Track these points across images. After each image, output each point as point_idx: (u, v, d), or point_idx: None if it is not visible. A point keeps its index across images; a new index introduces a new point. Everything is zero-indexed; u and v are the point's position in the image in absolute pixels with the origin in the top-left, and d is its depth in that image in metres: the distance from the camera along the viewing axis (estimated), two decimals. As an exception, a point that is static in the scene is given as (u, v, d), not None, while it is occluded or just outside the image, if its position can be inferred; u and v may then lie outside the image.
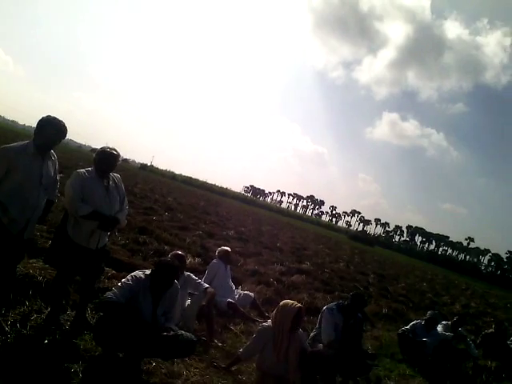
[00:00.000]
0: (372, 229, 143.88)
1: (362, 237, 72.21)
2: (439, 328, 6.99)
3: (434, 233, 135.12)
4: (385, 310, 9.49)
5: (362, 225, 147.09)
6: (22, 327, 3.72)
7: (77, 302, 4.38)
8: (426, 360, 6.18)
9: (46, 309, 4.13)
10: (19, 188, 3.54)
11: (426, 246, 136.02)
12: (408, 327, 6.71)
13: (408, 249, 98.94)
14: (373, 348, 6.34)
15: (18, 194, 3.54)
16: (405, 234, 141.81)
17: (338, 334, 4.69)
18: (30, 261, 4.97)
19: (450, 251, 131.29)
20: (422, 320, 6.80)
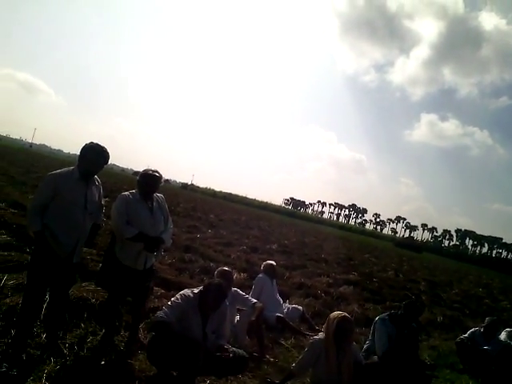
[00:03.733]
0: (419, 235, 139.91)
1: (409, 243, 70.14)
2: (502, 335, 6.63)
3: (486, 235, 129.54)
4: (440, 319, 9.11)
5: (408, 231, 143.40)
6: (80, 349, 3.83)
7: (129, 323, 4.46)
8: (489, 370, 5.85)
9: (101, 330, 4.23)
10: (65, 213, 3.65)
11: (478, 249, 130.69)
12: (466, 335, 6.40)
13: (459, 253, 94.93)
14: (430, 358, 6.08)
15: (65, 218, 3.65)
16: (454, 238, 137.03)
17: (392, 345, 4.54)
18: (83, 284, 5.12)
19: (504, 254, 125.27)
20: (481, 327, 6.47)
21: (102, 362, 3.63)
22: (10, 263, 5.44)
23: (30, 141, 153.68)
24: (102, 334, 4.15)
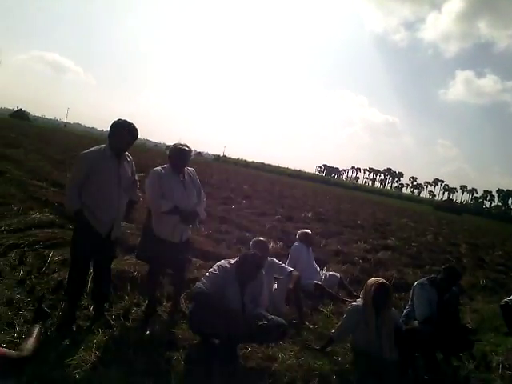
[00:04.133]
0: (458, 197, 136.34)
1: (448, 206, 68.37)
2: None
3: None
4: (482, 282, 8.90)
5: (446, 193, 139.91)
6: (125, 320, 3.99)
7: (171, 294, 4.60)
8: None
9: (144, 302, 4.38)
10: (101, 191, 3.73)
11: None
12: (511, 298, 6.24)
13: (501, 214, 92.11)
14: (473, 322, 5.98)
15: (101, 196, 3.73)
16: (496, 199, 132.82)
17: (432, 310, 4.48)
18: (125, 258, 5.29)
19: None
20: (527, 289, 6.29)
21: (147, 332, 3.76)
22: (55, 240, 5.68)
23: (64, 120, 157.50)
24: (145, 305, 4.30)
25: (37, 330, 2.33)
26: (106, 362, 3.11)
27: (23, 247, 5.33)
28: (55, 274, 4.59)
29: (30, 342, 1.98)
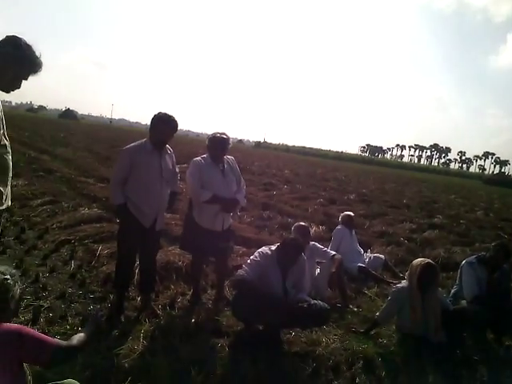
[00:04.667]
0: (511, 169, 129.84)
1: (499, 180, 65.26)
2: None
3: None
4: (537, 258, 8.50)
5: (498, 167, 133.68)
6: (171, 309, 4.12)
7: (215, 282, 4.70)
8: None
9: (189, 290, 4.50)
10: (144, 184, 3.84)
11: None
12: None
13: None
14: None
15: (144, 189, 3.84)
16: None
17: (482, 289, 4.34)
18: (169, 248, 5.44)
19: None
20: None
21: (192, 320, 3.87)
22: (103, 234, 5.92)
23: (110, 117, 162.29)
24: (190, 293, 4.42)
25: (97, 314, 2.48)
26: (153, 350, 3.22)
27: (74, 242, 5.60)
28: (104, 267, 4.80)
29: (81, 336, 2.10)
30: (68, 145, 19.75)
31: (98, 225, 6.29)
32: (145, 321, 3.76)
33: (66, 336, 3.10)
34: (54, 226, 6.26)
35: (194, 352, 3.24)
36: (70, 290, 4.25)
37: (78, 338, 2.08)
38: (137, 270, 4.37)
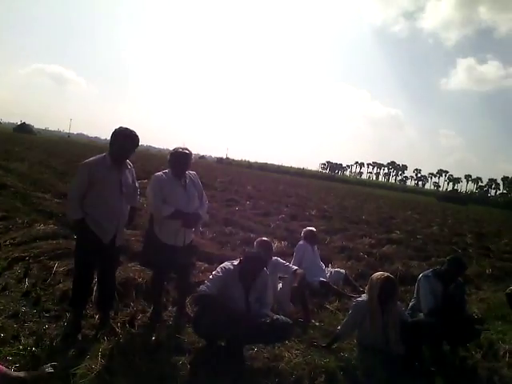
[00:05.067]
0: (463, 187, 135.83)
1: (452, 196, 68.00)
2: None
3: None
4: (489, 271, 8.86)
5: (451, 184, 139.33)
6: (131, 327, 4.01)
7: (176, 299, 4.62)
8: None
9: (150, 308, 4.40)
10: (103, 199, 3.76)
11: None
12: (517, 285, 6.22)
13: (507, 202, 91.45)
14: (480, 312, 5.96)
15: (103, 204, 3.76)
16: (501, 187, 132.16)
17: (438, 302, 4.48)
18: (129, 265, 5.31)
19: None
20: (533, 276, 6.27)
21: (153, 338, 3.78)
22: (60, 251, 5.70)
23: (68, 131, 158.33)
24: (150, 310, 4.33)
25: (47, 371, 2.38)
26: (112, 369, 3.13)
27: (28, 259, 5.36)
28: (60, 285, 4.62)
29: (36, 372, 2.01)
30: (23, 159, 19.04)
31: (54, 241, 6.07)
32: (103, 339, 3.64)
33: (19, 357, 2.97)
34: (7, 242, 5.99)
35: (155, 370, 3.17)
36: (23, 309, 4.07)
37: (32, 373, 1.98)
38: (95, 287, 4.24)
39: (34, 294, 4.42)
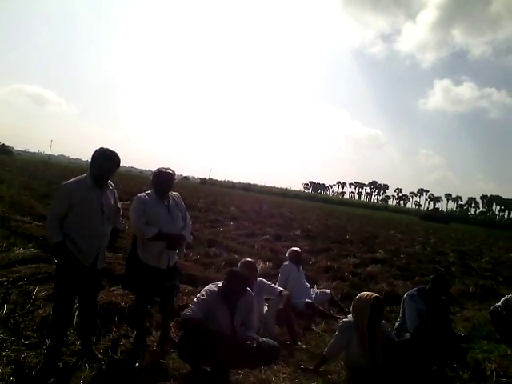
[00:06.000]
0: (443, 205, 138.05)
1: (434, 215, 69.19)
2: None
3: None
4: (472, 289, 8.96)
5: (432, 203, 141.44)
6: (114, 353, 3.90)
7: (160, 323, 4.52)
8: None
9: (133, 333, 4.29)
10: (84, 221, 3.68)
11: (506, 214, 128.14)
12: (500, 303, 6.26)
13: (486, 220, 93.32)
14: (465, 330, 5.98)
15: (84, 226, 3.68)
16: (480, 205, 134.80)
17: (423, 321, 4.48)
18: (111, 289, 5.19)
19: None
20: (515, 293, 6.33)
21: (137, 364, 3.68)
22: (40, 275, 5.54)
23: (48, 153, 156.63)
24: (134, 336, 4.22)
25: None
26: (95, 398, 3.03)
27: (7, 284, 5.20)
28: (40, 311, 4.48)
29: None
30: (2, 181, 18.70)
31: (33, 265, 5.91)
32: (85, 366, 3.52)
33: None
34: (-15, 267, 5.81)
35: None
36: (1, 336, 3.92)
37: None
38: (76, 313, 4.12)
39: (12, 321, 4.26)
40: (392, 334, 4.45)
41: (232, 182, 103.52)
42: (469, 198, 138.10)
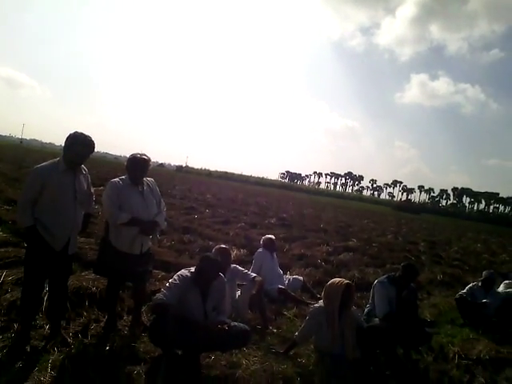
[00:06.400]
0: (416, 197, 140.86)
1: (406, 206, 70.61)
2: (500, 287, 6.76)
3: (482, 191, 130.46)
4: (440, 277, 9.25)
5: (405, 194, 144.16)
6: (84, 337, 3.87)
7: (132, 307, 4.51)
8: (489, 321, 5.96)
9: (104, 317, 4.27)
10: (55, 205, 3.63)
11: (476, 206, 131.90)
12: (465, 291, 6.49)
13: (457, 212, 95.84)
14: (432, 316, 6.19)
15: (55, 210, 3.63)
16: (451, 197, 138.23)
17: (392, 307, 4.60)
18: (82, 273, 5.15)
19: (501, 208, 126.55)
20: (479, 281, 6.57)
21: (107, 347, 3.67)
22: (8, 259, 5.45)
23: (20, 137, 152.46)
24: (104, 320, 4.20)
25: None
26: (63, 382, 3.01)
27: (-26, 268, 5.09)
28: (8, 295, 4.38)
29: None
30: (-30, 164, 18.17)
31: (2, 249, 5.79)
32: (53, 350, 3.49)
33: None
34: (-49, 251, 5.66)
35: (108, 381, 3.07)
36: (-34, 322, 3.84)
37: None
38: (45, 297, 4.07)
39: (-22, 305, 4.18)
40: (361, 319, 4.56)
41: (209, 170, 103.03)
42: (441, 190, 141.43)
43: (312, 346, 4.33)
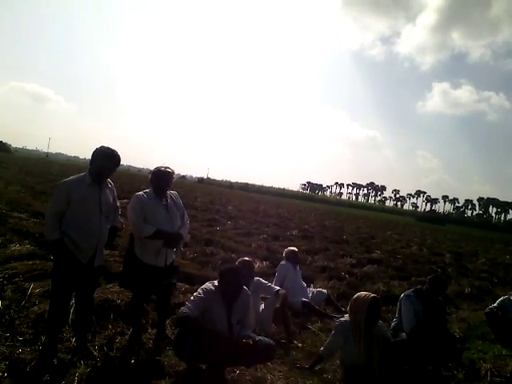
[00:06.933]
0: (440, 207, 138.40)
1: (431, 217, 69.44)
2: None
3: (509, 201, 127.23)
4: (467, 290, 8.98)
5: (429, 204, 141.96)
6: (109, 350, 3.89)
7: (156, 321, 4.51)
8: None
9: (128, 330, 4.28)
10: (82, 218, 3.68)
11: (503, 216, 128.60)
12: (495, 304, 6.28)
13: (483, 222, 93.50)
14: (461, 331, 6.00)
15: (82, 224, 3.68)
16: (477, 208, 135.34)
17: (419, 321, 4.49)
18: (108, 286, 5.18)
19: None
20: (510, 295, 6.35)
21: (132, 361, 3.67)
22: (35, 272, 5.53)
23: (46, 150, 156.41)
24: (129, 333, 4.21)
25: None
26: (89, 395, 3.01)
27: (2, 281, 5.18)
28: (35, 307, 4.46)
29: None
30: (-1, 178, 18.67)
31: (30, 262, 5.89)
32: (80, 363, 3.51)
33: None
34: (-19, 263, 5.78)
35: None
36: (-5, 333, 3.90)
37: None
38: (72, 310, 4.11)
39: (7, 317, 4.25)
40: (388, 333, 4.46)
41: (230, 182, 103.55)
42: (466, 200, 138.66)
43: (338, 362, 4.25)
